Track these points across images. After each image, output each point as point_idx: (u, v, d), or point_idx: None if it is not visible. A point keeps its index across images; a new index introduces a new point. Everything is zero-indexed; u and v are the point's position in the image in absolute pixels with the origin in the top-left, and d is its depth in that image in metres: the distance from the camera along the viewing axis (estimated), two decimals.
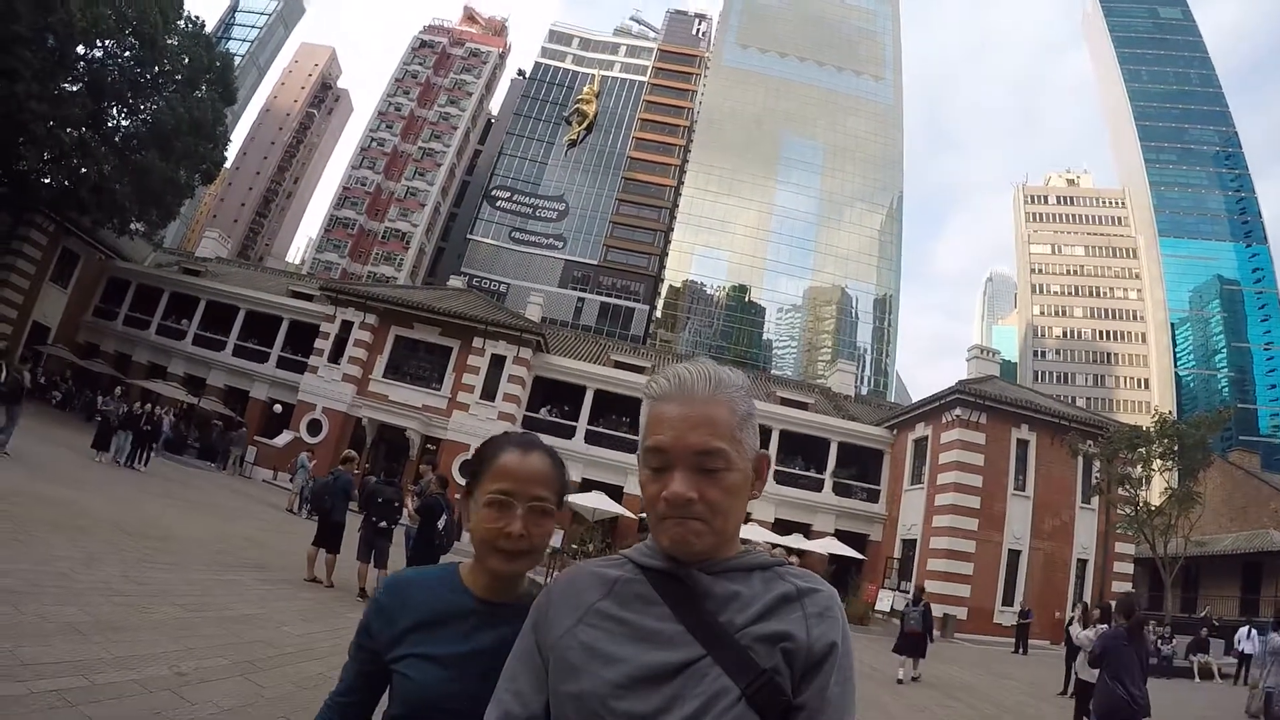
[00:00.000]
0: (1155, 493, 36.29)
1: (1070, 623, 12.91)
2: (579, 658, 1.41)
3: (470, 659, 1.79)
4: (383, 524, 14.09)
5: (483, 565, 1.89)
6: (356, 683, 1.91)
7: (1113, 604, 10.51)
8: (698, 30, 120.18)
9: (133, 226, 43.63)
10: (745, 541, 1.62)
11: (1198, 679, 26.84)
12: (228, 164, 63.17)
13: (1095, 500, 36.10)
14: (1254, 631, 26.59)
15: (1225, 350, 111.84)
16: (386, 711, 1.85)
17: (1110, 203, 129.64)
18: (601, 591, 1.51)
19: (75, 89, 38.22)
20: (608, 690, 1.35)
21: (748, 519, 37.40)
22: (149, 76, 40.66)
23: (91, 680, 5.80)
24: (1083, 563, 35.98)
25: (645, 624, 1.43)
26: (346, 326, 40.96)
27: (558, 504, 1.93)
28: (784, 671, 1.35)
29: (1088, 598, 33.49)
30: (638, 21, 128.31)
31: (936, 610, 31.41)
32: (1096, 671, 9.33)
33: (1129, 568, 37.35)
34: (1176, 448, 33.36)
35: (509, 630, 1.77)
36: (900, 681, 16.88)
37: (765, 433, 40.91)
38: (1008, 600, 34.06)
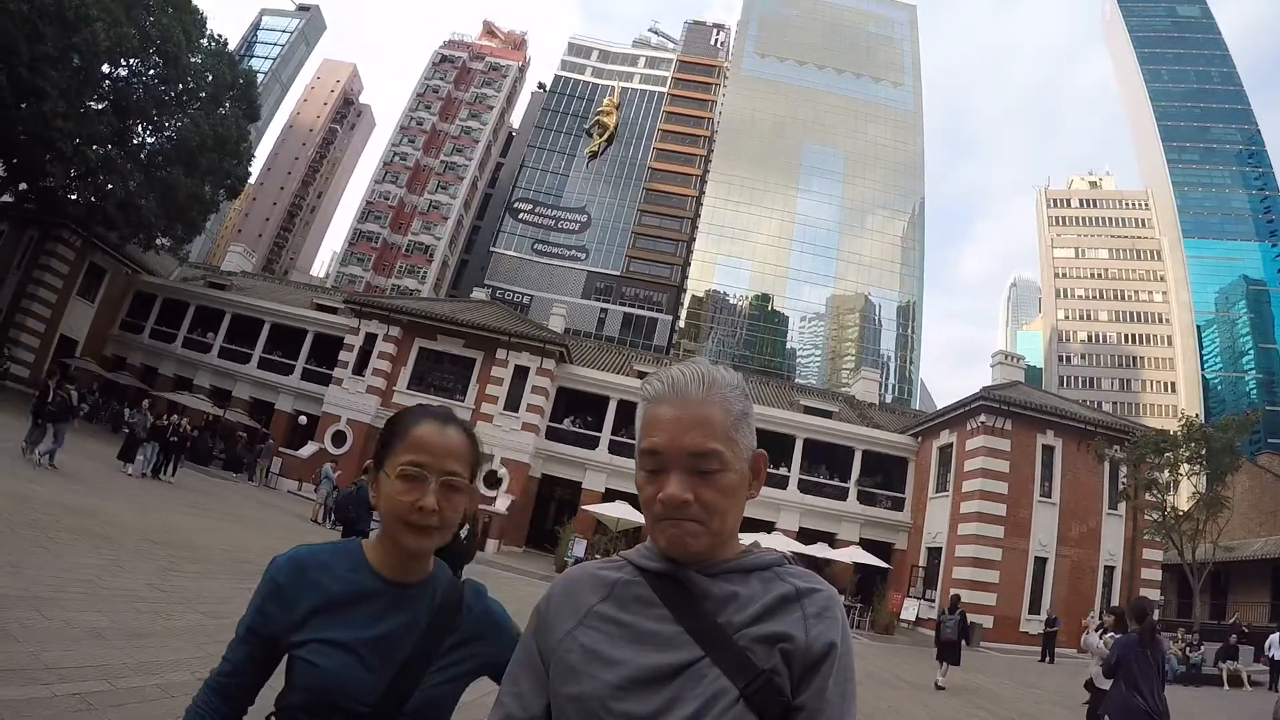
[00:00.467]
0: (1183, 497, 35.91)
1: (1088, 630, 12.70)
2: (579, 660, 1.42)
3: (378, 644, 1.73)
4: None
5: (392, 541, 1.81)
6: (245, 665, 1.79)
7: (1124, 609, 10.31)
8: (716, 40, 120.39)
9: (158, 241, 44.26)
10: (755, 546, 1.61)
11: (1226, 686, 26.50)
12: (252, 179, 63.68)
13: (1122, 506, 35.74)
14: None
15: (1253, 351, 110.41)
16: (282, 698, 1.75)
17: (1133, 204, 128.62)
18: (601, 594, 1.52)
19: (101, 107, 38.77)
20: (607, 692, 1.36)
21: (771, 529, 37.32)
22: (173, 94, 41.20)
23: (114, 685, 5.85)
24: (1110, 569, 35.56)
25: (644, 626, 1.44)
26: (370, 339, 41.15)
27: (470, 481, 1.87)
28: (782, 672, 1.35)
29: (1115, 604, 33.29)
30: (656, 33, 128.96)
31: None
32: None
33: (1157, 574, 36.96)
34: (1204, 451, 32.95)
35: (418, 613, 1.80)
36: (940, 688, 17.22)
37: (789, 441, 40.89)
38: (1034, 608, 33.73)
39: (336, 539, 2.09)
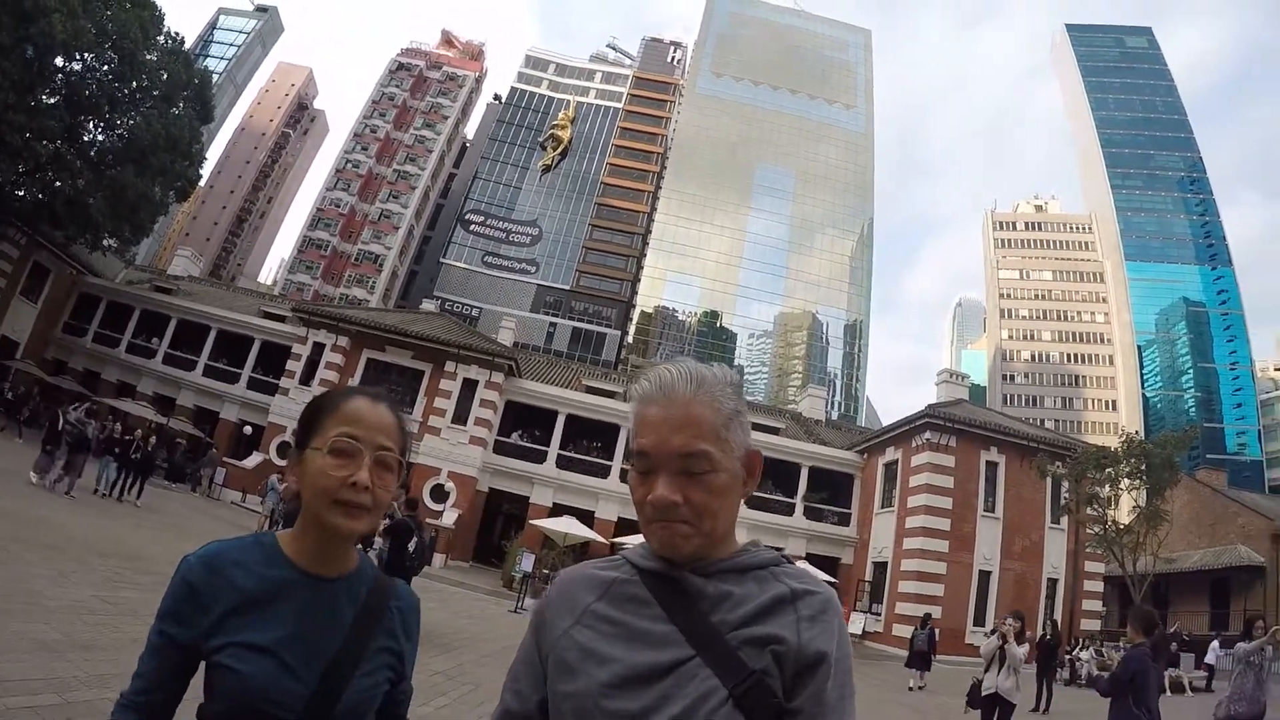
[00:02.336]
0: (1124, 511, 36.73)
1: (1007, 639, 12.41)
2: (575, 658, 1.43)
3: (302, 644, 1.63)
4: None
5: (318, 527, 1.71)
6: (159, 679, 1.64)
7: (1131, 617, 9.96)
8: (673, 58, 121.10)
9: (105, 242, 43.23)
10: (754, 544, 1.60)
11: (1169, 693, 27.19)
12: (202, 182, 62.87)
13: (1064, 520, 36.48)
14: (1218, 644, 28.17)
15: (1192, 371, 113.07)
16: (204, 710, 1.64)
17: (1077, 228, 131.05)
18: (597, 593, 1.52)
19: (53, 101, 37.94)
20: (599, 690, 1.37)
21: None
22: (127, 92, 40.36)
23: (66, 698, 5.88)
24: (1053, 582, 36.35)
25: (637, 624, 1.44)
26: (318, 348, 40.87)
27: (400, 460, 1.79)
28: (774, 674, 1.34)
29: (1058, 616, 34.21)
30: (614, 49, 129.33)
31: (908, 631, 31.94)
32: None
33: (1099, 585, 38.01)
34: (1144, 467, 33.69)
35: (341, 609, 1.72)
36: (911, 689, 20.96)
37: None
38: (979, 620, 34.19)
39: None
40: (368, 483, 1.68)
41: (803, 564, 30.14)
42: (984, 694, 11.81)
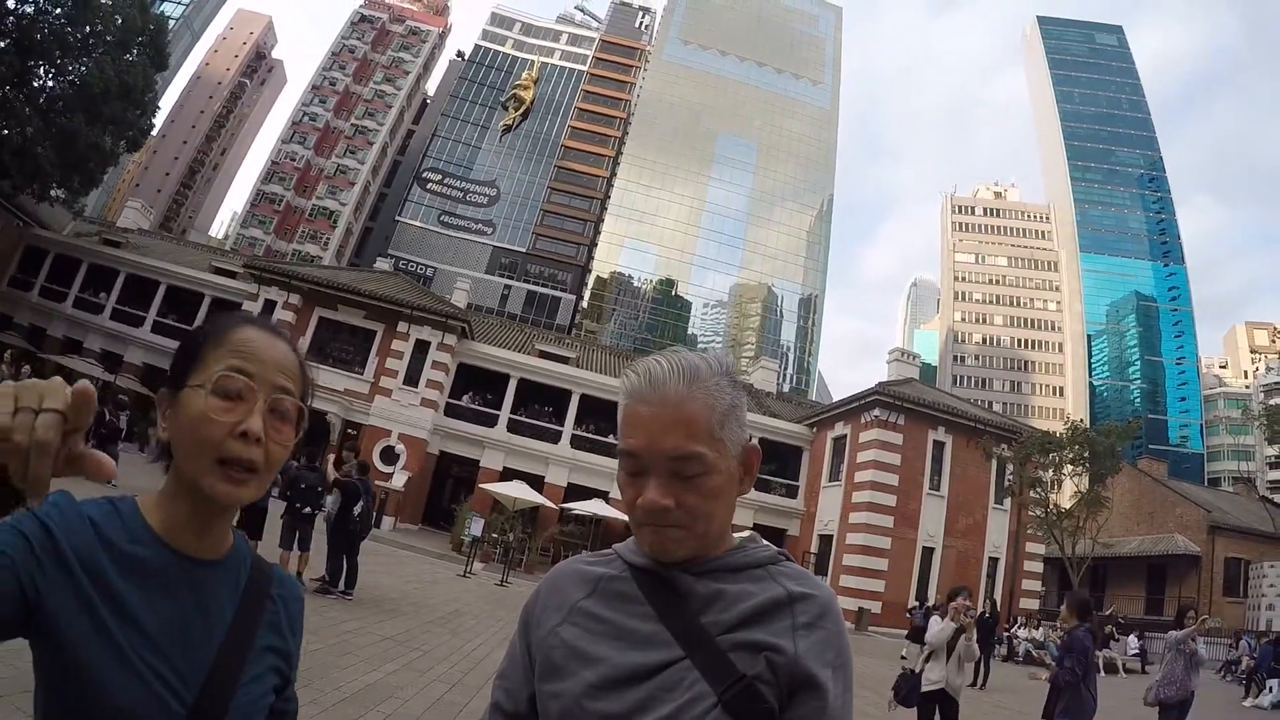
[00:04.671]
0: (1065, 496, 37.46)
1: (963, 621, 11.67)
2: (561, 657, 1.39)
3: (179, 647, 1.28)
4: (306, 510, 13.65)
5: (193, 488, 1.31)
6: None
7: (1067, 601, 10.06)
8: (641, 23, 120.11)
9: (53, 193, 42.14)
10: (751, 540, 1.54)
11: (1103, 673, 27.89)
12: (155, 132, 61.56)
13: (1007, 501, 37.35)
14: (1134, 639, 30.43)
15: (1139, 363, 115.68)
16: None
17: (1035, 217, 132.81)
18: (586, 589, 1.47)
19: (3, 44, 36.91)
20: (584, 690, 1.32)
21: None
22: (79, 36, 38.98)
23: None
24: (994, 561, 37.16)
25: (625, 623, 1.39)
26: (269, 306, 40.09)
27: (301, 410, 1.43)
28: (769, 680, 1.28)
29: (998, 594, 35.05)
30: (581, 10, 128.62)
31: (851, 604, 32.59)
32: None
33: (1039, 566, 39.01)
34: (1087, 454, 34.48)
35: (219, 600, 1.38)
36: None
37: None
38: (921, 595, 34.71)
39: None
40: (260, 432, 1.31)
41: (750, 534, 30.92)
42: (926, 689, 8.78)
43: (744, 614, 1.35)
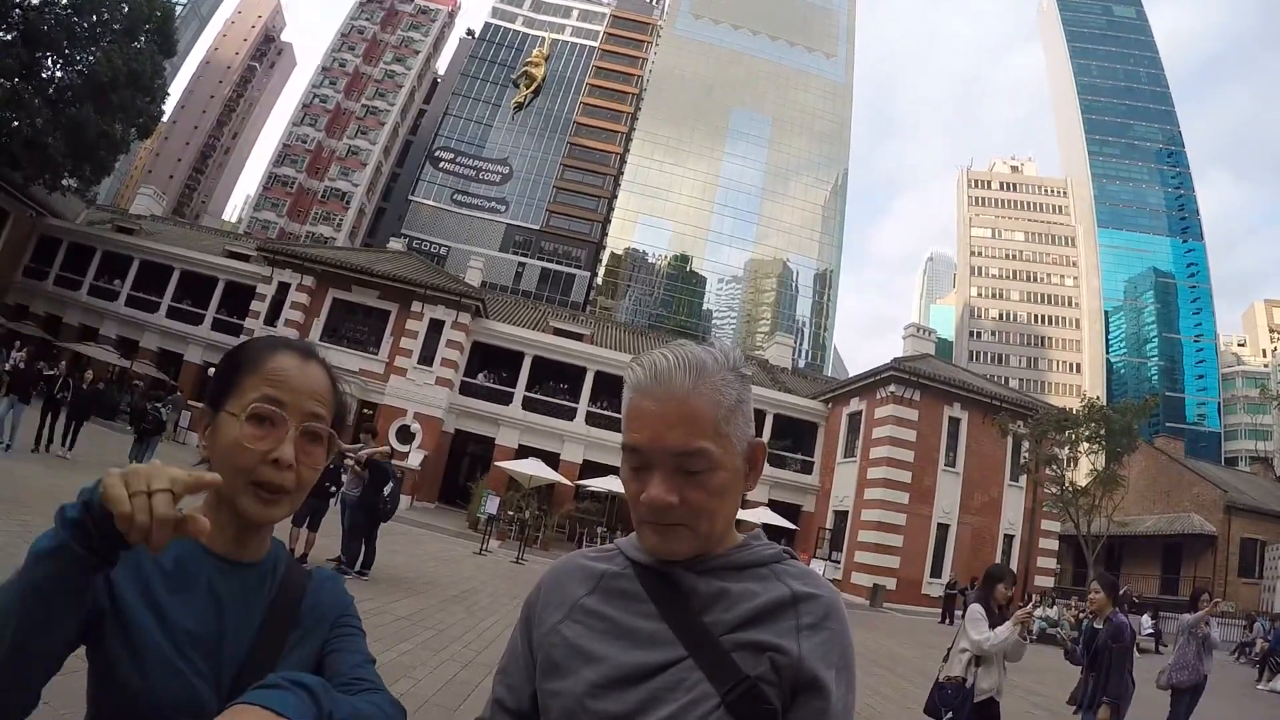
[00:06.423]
0: (1081, 473, 37.30)
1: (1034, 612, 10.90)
2: (562, 655, 1.37)
3: (209, 644, 1.34)
4: (330, 486, 13.61)
5: (229, 506, 1.40)
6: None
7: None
8: None
9: (65, 182, 42.28)
10: (755, 537, 1.51)
11: None
12: (165, 118, 61.55)
13: (1023, 479, 37.22)
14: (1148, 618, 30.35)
15: (1156, 340, 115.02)
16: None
17: (1052, 191, 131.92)
18: (588, 586, 1.46)
19: (10, 37, 36.87)
20: (585, 689, 1.31)
21: None
22: (86, 25, 39.14)
23: None
24: (1010, 538, 37.11)
25: (628, 621, 1.38)
26: (283, 288, 40.29)
27: (332, 430, 1.51)
28: (772, 681, 1.26)
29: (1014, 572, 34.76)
30: None
31: (866, 580, 32.47)
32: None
33: (1054, 544, 38.93)
34: (1103, 432, 34.27)
35: (251, 602, 1.43)
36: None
37: None
38: (936, 572, 34.99)
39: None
40: (291, 459, 1.39)
41: (764, 510, 30.37)
42: (979, 699, 7.10)
43: (747, 614, 1.33)
